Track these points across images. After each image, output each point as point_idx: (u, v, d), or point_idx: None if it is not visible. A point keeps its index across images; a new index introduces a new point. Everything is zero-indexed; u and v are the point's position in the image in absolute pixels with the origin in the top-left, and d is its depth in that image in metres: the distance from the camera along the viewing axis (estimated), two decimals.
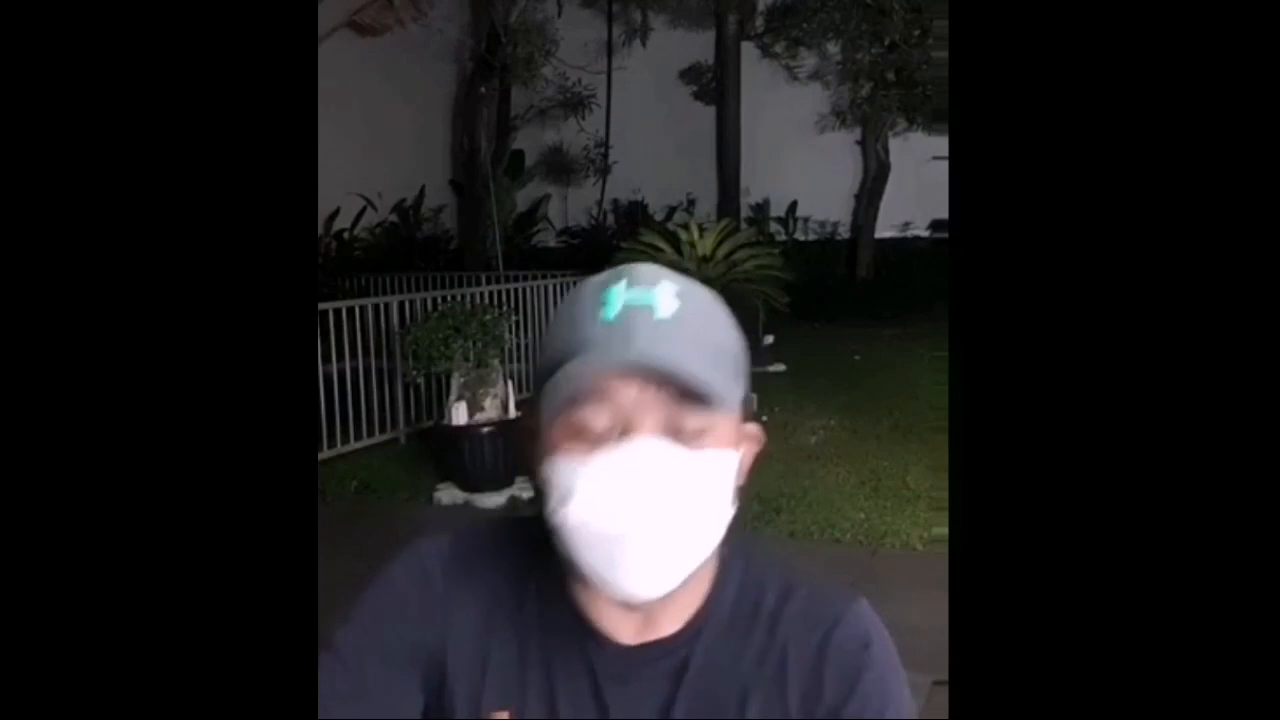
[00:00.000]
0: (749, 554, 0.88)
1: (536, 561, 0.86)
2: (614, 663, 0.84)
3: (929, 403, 6.16)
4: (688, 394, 0.74)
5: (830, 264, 13.07)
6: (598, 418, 0.75)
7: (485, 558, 0.90)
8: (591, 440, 0.76)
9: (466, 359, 5.50)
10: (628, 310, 0.76)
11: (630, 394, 0.75)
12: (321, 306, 5.92)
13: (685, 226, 9.50)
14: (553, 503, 0.78)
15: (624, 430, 0.75)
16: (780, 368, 8.57)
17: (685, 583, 0.80)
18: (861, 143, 13.92)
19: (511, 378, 5.83)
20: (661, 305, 0.76)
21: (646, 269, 0.80)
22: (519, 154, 14.07)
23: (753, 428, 0.85)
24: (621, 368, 0.74)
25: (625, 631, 0.85)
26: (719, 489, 0.79)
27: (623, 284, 0.77)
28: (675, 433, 0.76)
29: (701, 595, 0.85)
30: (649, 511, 0.74)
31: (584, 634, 0.85)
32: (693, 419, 0.76)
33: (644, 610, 0.83)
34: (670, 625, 0.85)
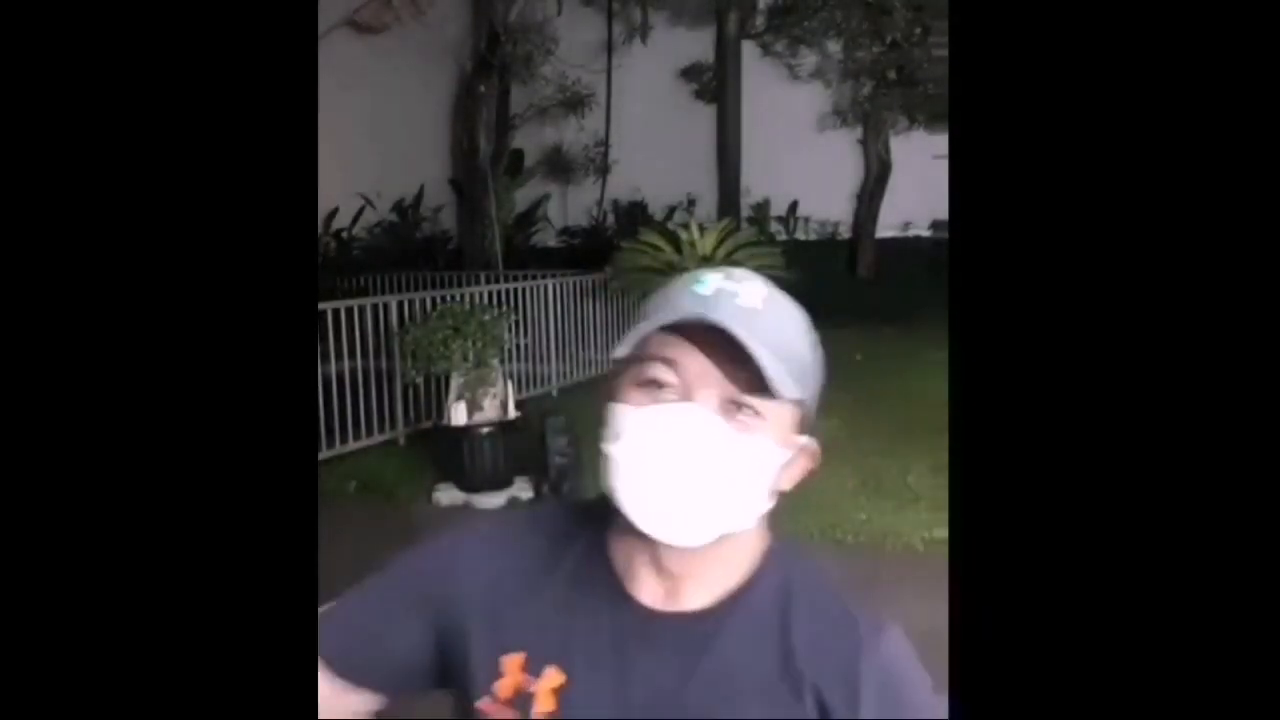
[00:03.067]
0: (791, 559, 0.92)
1: (576, 529, 0.94)
2: (637, 623, 0.88)
3: (929, 403, 6.16)
4: (748, 379, 0.81)
5: (831, 264, 13.08)
6: (665, 376, 0.83)
7: (521, 529, 0.97)
8: (653, 395, 0.83)
9: (466, 359, 5.50)
10: (717, 290, 0.84)
11: (697, 364, 0.82)
12: (320, 306, 5.92)
13: (685, 226, 9.49)
14: (608, 439, 0.85)
15: (683, 394, 0.82)
16: None
17: (715, 557, 0.87)
18: (863, 142, 13.94)
19: (511, 377, 5.83)
20: (748, 296, 0.84)
21: (744, 271, 0.89)
22: (518, 153, 14.07)
23: (809, 441, 0.89)
24: (698, 328, 0.81)
25: (654, 596, 0.89)
26: (753, 474, 0.84)
27: (719, 274, 0.86)
28: (728, 410, 0.82)
29: (734, 581, 0.89)
30: (681, 468, 0.81)
31: (613, 591, 0.90)
32: (748, 400, 0.82)
33: (673, 578, 0.88)
34: (698, 600, 0.88)
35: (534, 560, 0.93)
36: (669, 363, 0.83)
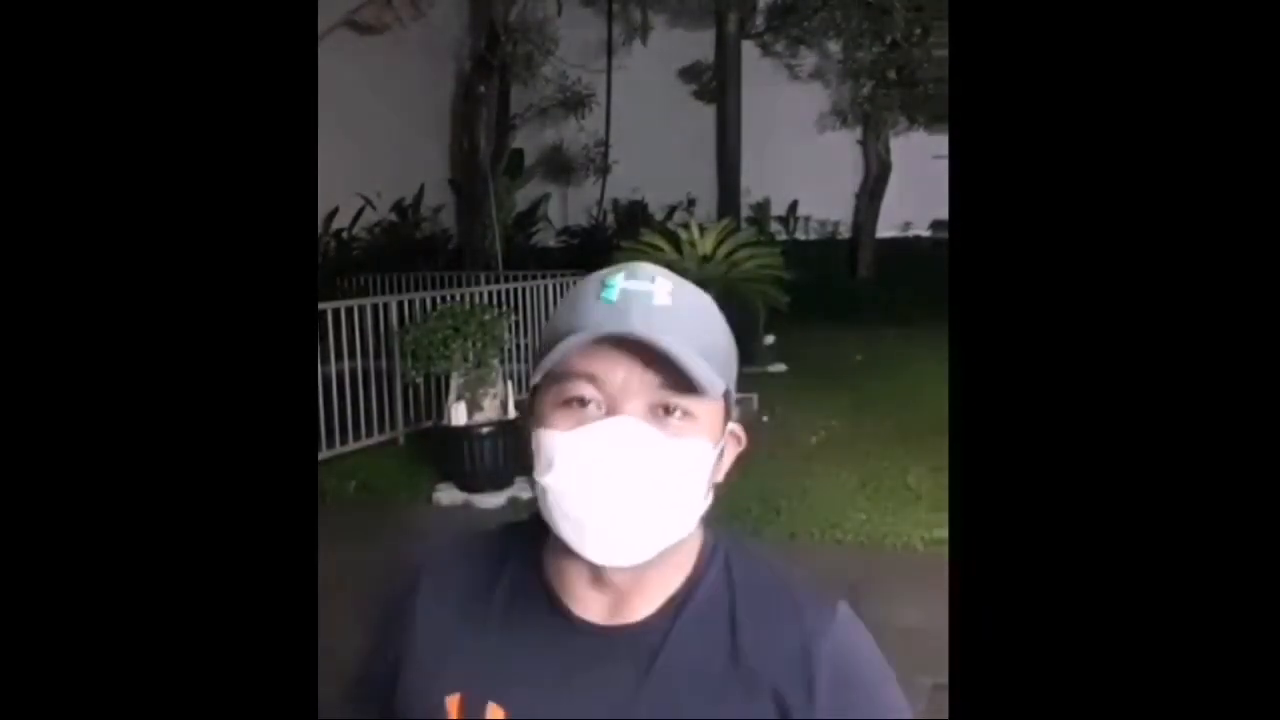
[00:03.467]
0: (730, 552, 0.90)
1: (512, 550, 0.91)
2: (582, 642, 0.85)
3: (929, 403, 6.15)
4: (674, 381, 0.78)
5: (830, 264, 13.06)
6: (587, 393, 0.80)
7: (439, 564, 0.94)
8: (579, 415, 0.80)
9: (466, 359, 5.50)
10: (626, 295, 0.80)
11: (619, 375, 0.79)
12: (320, 306, 5.92)
13: (685, 226, 9.49)
14: (539, 469, 0.82)
15: (609, 409, 0.79)
16: (780, 368, 8.57)
17: (657, 564, 0.84)
18: (862, 142, 13.93)
19: (511, 378, 5.82)
20: (658, 294, 0.81)
21: (645, 266, 0.84)
22: (518, 153, 14.05)
23: (736, 428, 0.88)
24: (616, 338, 0.78)
25: (596, 612, 0.86)
26: (692, 477, 0.82)
27: (622, 275, 0.82)
28: (658, 416, 0.80)
29: (676, 583, 0.87)
30: (620, 486, 0.79)
31: (553, 613, 0.87)
32: (676, 403, 0.80)
33: (615, 591, 0.86)
34: (642, 609, 0.86)
35: (462, 594, 0.90)
36: (589, 378, 0.79)
